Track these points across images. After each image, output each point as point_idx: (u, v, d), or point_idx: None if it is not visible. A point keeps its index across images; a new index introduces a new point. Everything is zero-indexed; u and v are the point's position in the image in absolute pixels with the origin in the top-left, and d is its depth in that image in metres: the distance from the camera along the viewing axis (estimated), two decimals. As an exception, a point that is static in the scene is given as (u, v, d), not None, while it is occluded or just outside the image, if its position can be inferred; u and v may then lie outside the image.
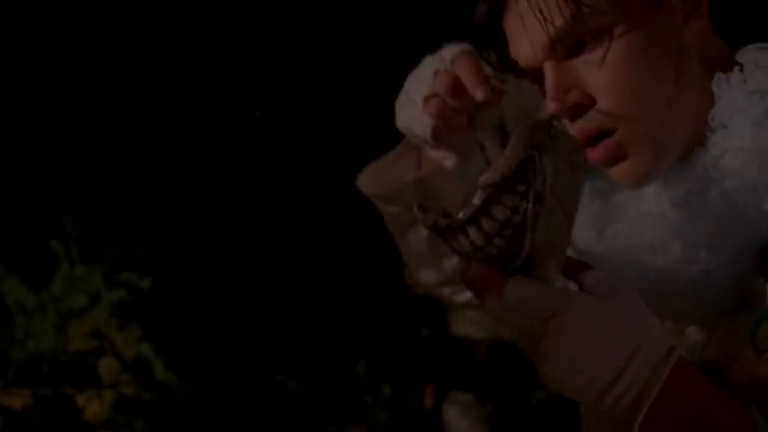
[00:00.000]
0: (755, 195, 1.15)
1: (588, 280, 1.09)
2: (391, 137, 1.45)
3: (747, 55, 1.20)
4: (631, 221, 1.26)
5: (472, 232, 1.06)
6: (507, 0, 1.23)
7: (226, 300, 4.14)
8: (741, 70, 1.20)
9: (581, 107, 1.19)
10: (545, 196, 1.06)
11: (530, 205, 1.06)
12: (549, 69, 1.20)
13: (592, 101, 1.20)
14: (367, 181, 1.39)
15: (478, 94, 1.22)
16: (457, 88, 1.25)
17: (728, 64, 1.21)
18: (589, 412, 1.34)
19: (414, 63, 1.38)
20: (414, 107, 1.28)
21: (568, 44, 1.19)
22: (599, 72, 1.18)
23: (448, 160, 1.33)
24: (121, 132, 4.25)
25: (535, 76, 1.25)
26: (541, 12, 1.18)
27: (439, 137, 1.28)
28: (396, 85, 1.39)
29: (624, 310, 1.06)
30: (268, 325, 4.16)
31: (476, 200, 1.06)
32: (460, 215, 1.06)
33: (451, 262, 1.40)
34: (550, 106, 1.19)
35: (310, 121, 4.32)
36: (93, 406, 3.39)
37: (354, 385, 4.15)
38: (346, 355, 4.17)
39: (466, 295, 1.42)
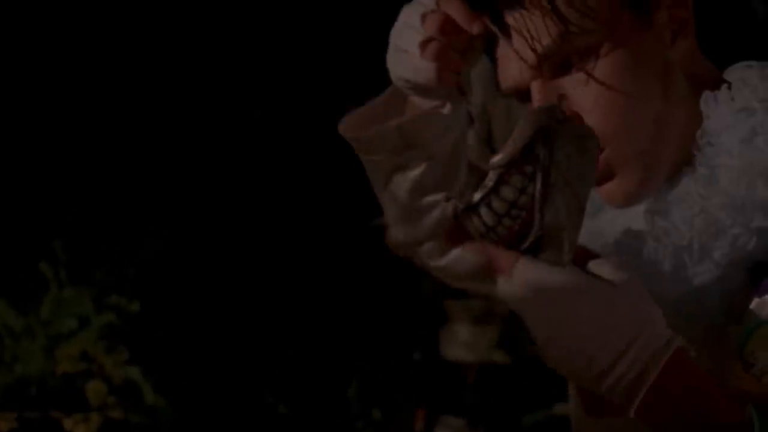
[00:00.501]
0: (743, 213, 1.15)
1: (595, 268, 1.11)
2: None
3: (734, 73, 1.20)
4: (617, 241, 1.26)
5: (484, 212, 1.11)
6: (495, 23, 1.23)
7: (215, 323, 4.12)
8: (729, 88, 1.20)
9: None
10: (553, 177, 1.09)
11: (538, 186, 1.09)
12: (535, 88, 1.20)
13: (579, 121, 1.20)
14: (350, 124, 1.37)
15: (475, 28, 1.21)
16: (449, 27, 1.24)
17: (715, 83, 1.21)
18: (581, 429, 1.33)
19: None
20: (408, 57, 1.26)
21: (555, 63, 1.19)
22: (586, 91, 1.18)
23: (441, 108, 1.31)
24: (110, 157, 4.25)
25: (523, 98, 1.25)
26: (528, 31, 1.18)
27: (443, 80, 1.27)
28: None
29: (629, 297, 1.08)
30: (257, 348, 4.14)
31: (488, 181, 1.11)
32: (474, 196, 1.11)
33: (431, 218, 1.38)
34: None
35: (296, 152, 4.32)
36: (80, 430, 3.38)
37: (344, 408, 4.13)
38: (337, 379, 4.16)
39: (444, 260, 1.40)
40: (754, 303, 1.14)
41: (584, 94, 1.18)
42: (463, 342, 4.16)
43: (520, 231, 1.10)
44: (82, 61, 4.25)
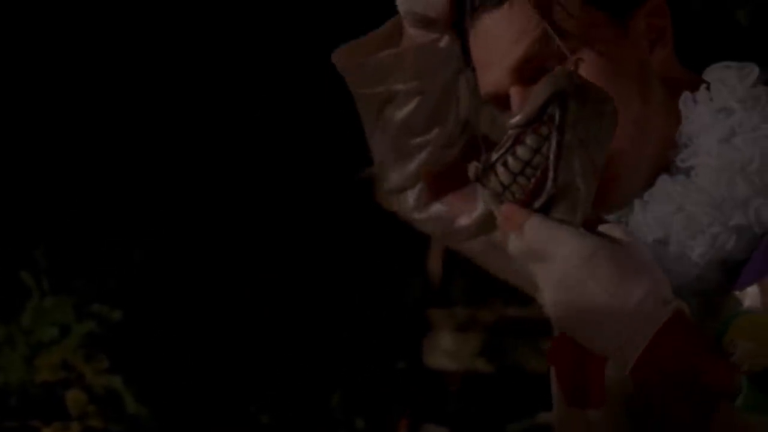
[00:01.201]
0: (722, 212, 1.15)
1: (606, 230, 1.14)
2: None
3: (713, 73, 1.21)
4: None
5: (500, 171, 1.14)
6: (473, 20, 1.23)
7: (197, 332, 4.11)
8: (707, 88, 1.20)
9: None
10: (568, 138, 1.13)
11: (553, 146, 1.13)
12: (514, 94, 1.21)
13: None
14: (344, 53, 1.40)
15: None
16: None
17: (693, 87, 1.21)
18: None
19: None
20: None
21: (534, 67, 1.19)
22: None
23: (440, 41, 1.34)
24: (92, 166, 4.24)
25: (500, 104, 1.25)
26: (509, 34, 1.18)
27: (452, 11, 1.30)
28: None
29: (637, 257, 1.11)
30: (240, 357, 4.13)
31: (505, 141, 1.14)
32: (492, 156, 1.15)
33: (418, 159, 1.42)
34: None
35: (281, 166, 4.32)
36: (59, 439, 3.36)
37: (327, 418, 4.13)
38: (320, 388, 4.15)
39: (425, 213, 1.46)
40: (733, 296, 1.15)
41: None
42: (446, 350, 4.15)
43: (533, 190, 1.13)
44: (64, 68, 4.23)
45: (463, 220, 1.45)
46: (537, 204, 1.13)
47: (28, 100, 4.23)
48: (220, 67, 4.32)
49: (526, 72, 1.20)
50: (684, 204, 1.17)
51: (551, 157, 1.13)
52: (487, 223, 1.44)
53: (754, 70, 1.19)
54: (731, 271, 1.17)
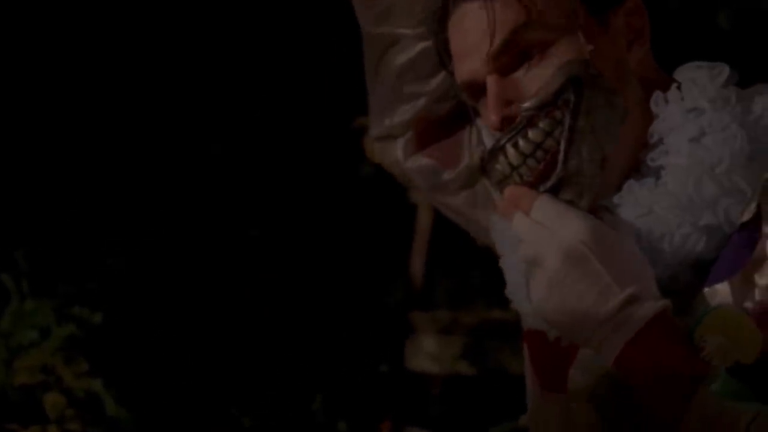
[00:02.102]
0: (691, 213, 1.16)
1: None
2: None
3: (684, 73, 1.21)
4: None
5: (510, 152, 1.17)
6: (450, 12, 1.23)
7: (178, 335, 4.10)
8: (678, 88, 1.20)
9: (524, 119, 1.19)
10: (580, 124, 1.16)
11: (565, 130, 1.15)
12: (491, 82, 1.20)
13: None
14: None
15: None
16: None
17: (666, 87, 1.21)
18: None
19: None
20: None
21: (513, 54, 1.19)
22: (540, 82, 1.18)
23: None
24: (73, 167, 4.22)
25: (475, 93, 1.24)
26: (491, 19, 1.18)
27: None
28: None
29: (632, 249, 1.15)
30: (222, 360, 4.12)
31: (518, 123, 1.17)
32: (502, 137, 1.17)
33: (411, 108, 1.45)
34: (491, 119, 1.19)
35: (264, 168, 4.31)
36: (37, 442, 3.34)
37: (309, 421, 4.11)
38: (302, 391, 4.14)
39: (414, 163, 1.49)
40: (704, 292, 1.15)
41: (537, 86, 1.18)
42: (428, 353, 4.15)
43: (542, 173, 1.16)
44: (46, 73, 4.22)
45: (447, 174, 1.47)
46: (545, 187, 1.16)
47: (10, 104, 4.21)
48: (200, 71, 4.31)
49: (505, 60, 1.19)
50: (653, 206, 1.18)
51: (563, 141, 1.16)
52: (470, 177, 1.46)
53: (724, 70, 1.19)
54: (701, 270, 1.17)
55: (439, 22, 1.27)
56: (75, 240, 4.11)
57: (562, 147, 1.16)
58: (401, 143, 1.49)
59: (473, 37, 1.21)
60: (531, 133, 1.16)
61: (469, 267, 4.24)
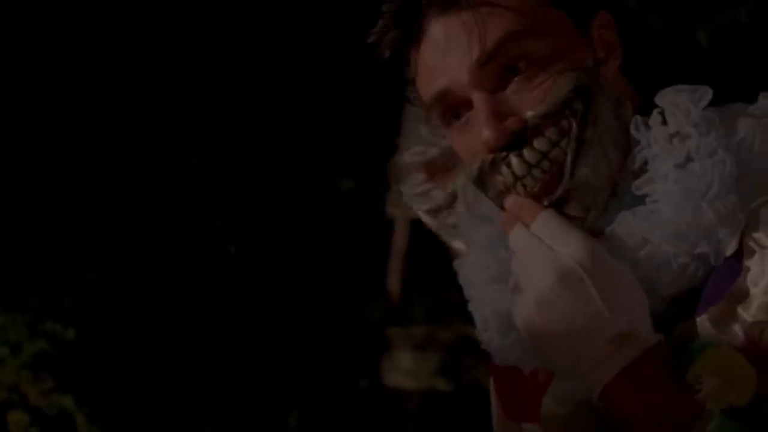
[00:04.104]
0: (687, 241, 1.11)
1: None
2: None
3: (666, 97, 1.17)
4: None
5: (515, 162, 1.11)
6: (422, 26, 1.18)
7: (152, 352, 4.06)
8: (660, 113, 1.17)
9: (520, 134, 1.14)
10: (588, 134, 1.11)
11: (572, 141, 1.10)
12: (482, 99, 1.15)
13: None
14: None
15: None
16: None
17: (637, 105, 1.18)
18: None
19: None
20: None
21: (500, 67, 1.14)
22: (529, 97, 1.14)
23: None
24: (49, 181, 4.18)
25: (449, 110, 1.19)
26: (476, 28, 1.14)
27: None
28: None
29: (630, 281, 1.09)
30: (195, 377, 4.08)
31: (524, 132, 1.11)
32: (504, 148, 1.12)
33: (420, 152, 1.52)
34: (487, 135, 1.14)
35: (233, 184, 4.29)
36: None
37: (284, 437, 4.09)
38: (277, 408, 4.11)
39: (422, 189, 1.53)
40: (688, 324, 1.12)
41: (530, 101, 1.14)
42: (404, 369, 4.13)
43: (548, 184, 1.10)
44: (23, 85, 4.18)
45: (441, 193, 1.47)
46: (550, 199, 1.10)
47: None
48: (180, 86, 4.29)
49: (490, 73, 1.15)
50: (648, 237, 1.13)
51: (570, 151, 1.10)
52: (456, 196, 1.45)
53: (707, 93, 1.15)
54: (683, 301, 1.14)
55: (405, 43, 1.21)
56: (50, 255, 4.07)
57: (570, 157, 1.10)
58: (416, 178, 1.53)
59: (455, 47, 1.15)
60: (537, 143, 1.10)
61: (446, 283, 4.22)
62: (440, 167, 1.53)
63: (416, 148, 1.51)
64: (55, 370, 3.65)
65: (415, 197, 1.58)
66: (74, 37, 4.15)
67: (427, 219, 1.61)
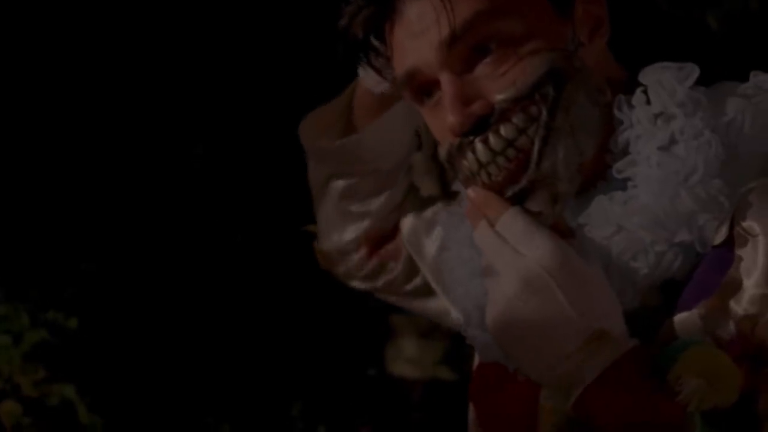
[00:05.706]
0: (666, 228, 1.06)
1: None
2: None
3: (651, 74, 1.12)
4: None
5: (479, 148, 1.06)
6: (394, 6, 1.14)
7: (154, 341, 4.05)
8: (643, 91, 1.12)
9: (487, 118, 1.10)
10: (558, 121, 1.04)
11: (541, 128, 1.04)
12: (447, 81, 1.11)
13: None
14: (306, 128, 1.45)
15: None
16: None
17: (627, 87, 1.13)
18: None
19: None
20: None
21: (469, 47, 1.10)
22: (501, 80, 1.09)
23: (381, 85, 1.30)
24: (48, 171, 4.17)
25: (419, 89, 1.16)
26: (445, 6, 1.10)
27: None
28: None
29: (600, 281, 1.05)
30: (198, 366, 4.07)
31: (490, 117, 1.05)
32: (470, 132, 1.05)
33: (358, 227, 1.42)
34: (451, 120, 1.10)
35: (228, 175, 4.27)
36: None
37: (288, 427, 4.08)
38: (280, 397, 4.10)
39: (364, 270, 1.47)
40: (674, 319, 1.07)
41: (499, 84, 1.09)
42: (408, 358, 4.10)
43: (512, 174, 1.05)
44: (18, 80, 4.17)
45: (392, 265, 1.47)
46: (515, 189, 1.05)
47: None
48: (176, 85, 4.27)
49: (459, 53, 1.10)
50: (623, 223, 1.08)
51: (537, 139, 1.04)
52: (412, 268, 1.46)
53: (693, 71, 1.11)
54: (669, 293, 1.09)
55: (376, 29, 1.17)
56: (50, 244, 4.06)
57: (536, 146, 1.05)
58: (350, 263, 1.49)
59: (425, 27, 1.11)
60: (503, 129, 1.06)
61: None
62: (379, 236, 1.48)
63: (349, 226, 1.46)
64: (56, 360, 3.64)
65: (364, 278, 1.53)
66: (74, 22, 4.14)
67: (382, 295, 1.61)
